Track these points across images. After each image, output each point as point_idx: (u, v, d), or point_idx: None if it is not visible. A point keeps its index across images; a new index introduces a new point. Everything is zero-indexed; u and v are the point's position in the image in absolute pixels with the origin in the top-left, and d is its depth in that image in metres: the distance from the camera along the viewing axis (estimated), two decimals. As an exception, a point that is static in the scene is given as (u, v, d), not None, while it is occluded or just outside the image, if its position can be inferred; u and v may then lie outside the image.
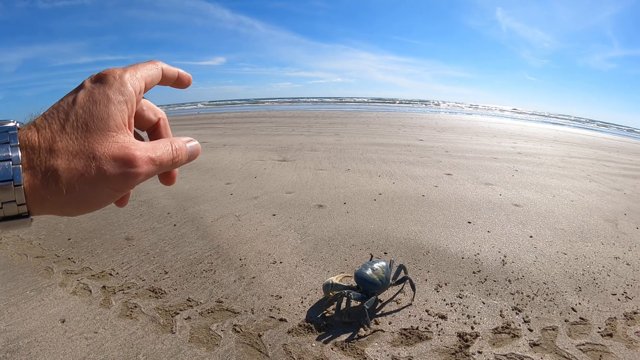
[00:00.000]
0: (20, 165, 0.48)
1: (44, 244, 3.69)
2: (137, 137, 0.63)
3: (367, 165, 6.88)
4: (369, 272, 2.43)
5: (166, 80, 0.67)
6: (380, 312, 2.48)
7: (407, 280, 2.60)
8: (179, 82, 0.70)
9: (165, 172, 0.67)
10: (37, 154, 0.49)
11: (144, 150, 0.55)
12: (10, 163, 0.47)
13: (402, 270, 2.70)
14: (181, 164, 0.63)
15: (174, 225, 4.01)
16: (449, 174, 6.21)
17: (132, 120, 0.61)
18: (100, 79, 0.55)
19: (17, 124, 0.52)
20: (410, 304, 2.58)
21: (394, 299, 2.62)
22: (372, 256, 2.86)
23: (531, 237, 3.70)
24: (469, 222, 4.01)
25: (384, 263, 2.55)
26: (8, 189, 0.47)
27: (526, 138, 12.72)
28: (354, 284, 2.50)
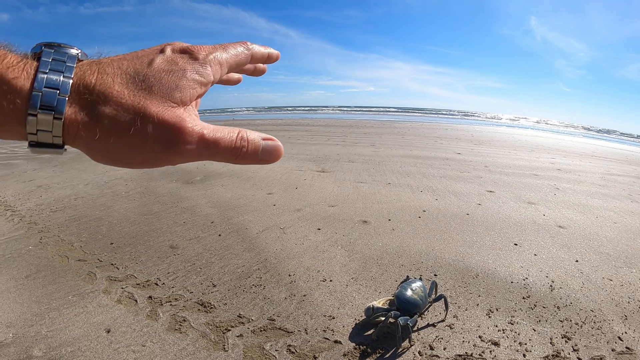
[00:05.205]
0: (67, 98, 0.47)
1: (85, 246, 3.79)
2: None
3: (407, 179, 6.85)
4: (409, 293, 2.46)
5: (255, 60, 0.65)
6: (434, 336, 2.47)
7: (443, 298, 2.62)
8: (268, 60, 0.68)
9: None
10: (88, 94, 0.48)
11: (199, 127, 0.51)
12: (58, 92, 0.47)
13: (435, 288, 2.75)
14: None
15: (219, 235, 4.09)
16: (490, 191, 6.11)
17: (199, 102, 0.60)
18: (183, 52, 0.55)
19: (79, 54, 0.52)
20: (443, 321, 2.61)
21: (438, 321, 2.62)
22: (408, 277, 2.85)
23: (577, 261, 3.61)
24: (515, 244, 3.94)
25: (420, 282, 2.58)
26: (47, 117, 0.46)
27: (564, 153, 12.36)
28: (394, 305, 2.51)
